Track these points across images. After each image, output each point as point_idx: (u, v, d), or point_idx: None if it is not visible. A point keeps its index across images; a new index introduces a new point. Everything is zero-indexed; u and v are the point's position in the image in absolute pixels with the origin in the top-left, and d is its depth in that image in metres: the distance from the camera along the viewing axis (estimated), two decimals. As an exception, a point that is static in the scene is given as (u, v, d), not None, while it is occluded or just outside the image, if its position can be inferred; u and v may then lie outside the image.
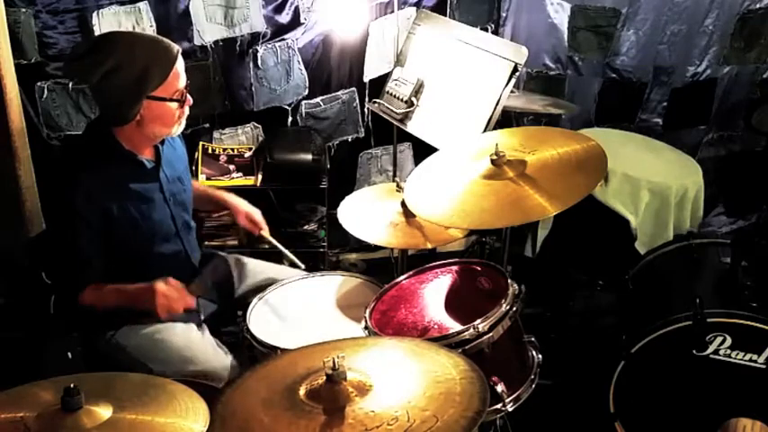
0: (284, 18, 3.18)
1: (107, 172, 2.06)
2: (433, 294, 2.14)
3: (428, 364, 1.54)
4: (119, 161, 2.09)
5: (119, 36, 2.19)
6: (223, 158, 3.26)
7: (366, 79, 3.39)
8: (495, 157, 2.04)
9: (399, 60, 2.91)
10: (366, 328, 1.99)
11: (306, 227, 3.33)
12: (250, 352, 2.09)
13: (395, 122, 2.87)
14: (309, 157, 3.17)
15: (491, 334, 1.89)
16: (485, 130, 2.47)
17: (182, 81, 2.07)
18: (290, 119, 3.37)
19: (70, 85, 2.99)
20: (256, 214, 2.51)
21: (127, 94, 1.99)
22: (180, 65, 2.05)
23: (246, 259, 2.55)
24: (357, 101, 3.44)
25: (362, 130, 3.51)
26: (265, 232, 2.52)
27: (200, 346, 2.20)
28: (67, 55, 2.88)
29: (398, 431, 1.31)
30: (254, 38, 3.17)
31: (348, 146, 3.53)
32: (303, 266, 2.53)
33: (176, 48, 2.05)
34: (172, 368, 2.10)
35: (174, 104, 2.06)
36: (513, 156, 2.07)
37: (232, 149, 3.32)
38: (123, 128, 2.06)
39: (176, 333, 2.20)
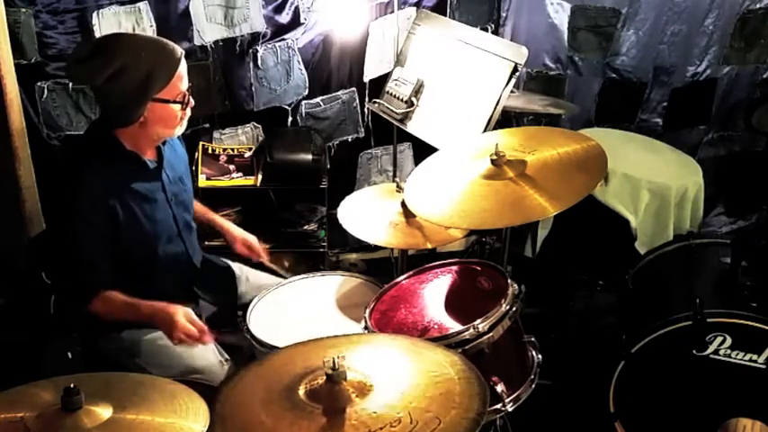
0: (284, 18, 3.18)
1: (110, 172, 2.06)
2: (432, 294, 2.14)
3: (426, 363, 1.54)
4: (121, 161, 2.09)
5: (123, 38, 2.19)
6: (223, 158, 3.26)
7: (366, 79, 3.39)
8: (495, 157, 2.04)
9: (399, 60, 2.91)
10: (366, 327, 1.99)
11: (306, 227, 3.32)
12: (250, 352, 2.09)
13: (395, 122, 2.87)
14: (309, 157, 3.17)
15: (491, 334, 1.89)
16: (485, 130, 2.47)
17: (184, 83, 2.08)
18: (290, 119, 3.37)
19: (70, 85, 2.98)
20: (253, 241, 2.52)
21: (131, 96, 1.99)
22: (183, 67, 2.06)
23: (252, 271, 2.55)
24: (357, 101, 3.44)
25: (362, 130, 3.51)
26: (264, 260, 2.53)
27: (201, 353, 2.19)
28: (70, 57, 2.87)
29: (401, 433, 1.32)
30: (254, 38, 3.17)
31: (348, 146, 3.53)
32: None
33: (180, 50, 2.06)
34: (172, 374, 2.09)
35: (177, 106, 2.07)
36: (513, 156, 2.07)
37: (232, 149, 3.32)
38: (126, 129, 2.07)
39: None
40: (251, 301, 2.31)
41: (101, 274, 2.08)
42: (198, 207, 2.50)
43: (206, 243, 3.10)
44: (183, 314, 2.02)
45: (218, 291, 2.40)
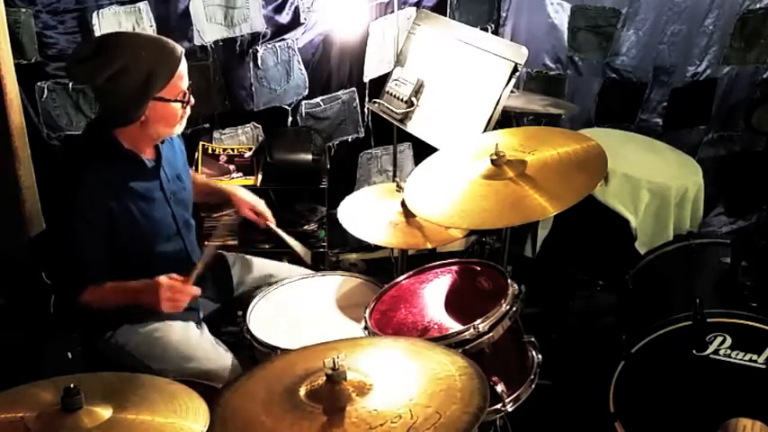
0: (284, 18, 3.18)
1: (108, 171, 2.06)
2: (432, 294, 2.14)
3: (427, 362, 1.54)
4: (119, 160, 2.09)
5: (124, 38, 2.18)
6: (223, 158, 3.26)
7: (366, 79, 3.39)
8: (495, 157, 2.04)
9: (399, 60, 2.91)
10: (366, 328, 1.99)
11: (306, 227, 3.32)
12: (250, 352, 2.10)
13: (395, 122, 2.87)
14: (309, 157, 3.17)
15: (491, 334, 1.89)
16: (485, 130, 2.47)
17: (185, 82, 2.08)
18: (290, 119, 3.37)
19: (70, 85, 2.98)
20: (260, 205, 2.50)
21: (132, 96, 1.99)
22: (183, 66, 2.06)
23: (246, 257, 2.55)
24: (357, 101, 3.44)
25: (362, 130, 3.51)
26: (272, 223, 2.51)
27: (198, 343, 2.20)
28: (71, 57, 2.87)
29: (402, 429, 1.31)
30: (254, 38, 3.17)
31: (348, 146, 3.53)
32: (309, 261, 2.53)
33: (180, 49, 2.06)
34: (171, 366, 2.10)
35: (178, 105, 2.07)
36: (513, 156, 2.08)
37: (232, 149, 3.32)
38: (126, 128, 2.07)
39: (175, 331, 2.20)
40: (247, 289, 2.31)
41: (99, 274, 2.08)
42: (198, 179, 2.51)
43: (206, 243, 3.11)
44: (164, 276, 2.01)
45: (215, 284, 2.40)
